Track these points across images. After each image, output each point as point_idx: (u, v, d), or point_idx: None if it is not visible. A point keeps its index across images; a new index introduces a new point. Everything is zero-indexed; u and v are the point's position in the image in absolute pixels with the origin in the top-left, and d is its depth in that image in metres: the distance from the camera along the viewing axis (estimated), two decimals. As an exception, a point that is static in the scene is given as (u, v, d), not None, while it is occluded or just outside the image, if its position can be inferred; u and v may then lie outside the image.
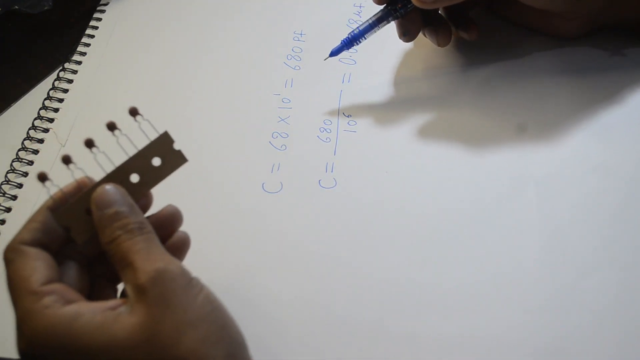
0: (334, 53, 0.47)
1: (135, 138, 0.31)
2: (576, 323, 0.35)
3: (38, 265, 0.29)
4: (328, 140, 0.45)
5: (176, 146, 0.32)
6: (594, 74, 0.47)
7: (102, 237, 0.29)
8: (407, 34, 0.47)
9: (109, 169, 0.31)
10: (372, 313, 0.36)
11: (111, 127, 0.31)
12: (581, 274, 0.37)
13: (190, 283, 0.28)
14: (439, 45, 0.48)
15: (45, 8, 0.56)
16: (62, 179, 0.45)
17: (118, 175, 0.31)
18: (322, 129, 0.46)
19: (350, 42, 0.47)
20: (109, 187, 0.30)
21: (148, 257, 0.28)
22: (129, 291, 0.28)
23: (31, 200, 0.43)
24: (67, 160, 0.30)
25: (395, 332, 0.36)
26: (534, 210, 0.40)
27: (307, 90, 0.49)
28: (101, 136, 0.47)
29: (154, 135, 0.31)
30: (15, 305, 0.28)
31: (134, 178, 0.31)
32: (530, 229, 0.39)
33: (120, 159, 0.31)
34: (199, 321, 0.27)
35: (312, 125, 0.46)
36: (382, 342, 0.35)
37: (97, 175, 0.31)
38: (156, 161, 0.31)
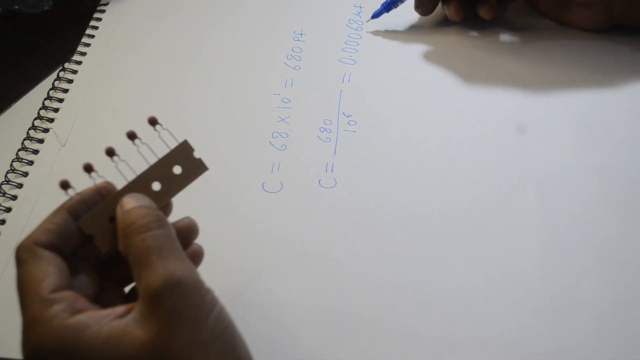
0: (374, 16, 0.52)
1: (154, 147, 0.31)
2: (576, 323, 0.35)
3: (50, 270, 0.28)
4: (328, 140, 0.45)
5: (196, 154, 0.32)
6: (599, 72, 0.48)
7: (122, 236, 0.29)
8: (420, 6, 0.51)
9: (130, 177, 0.31)
10: (371, 313, 0.36)
11: (131, 136, 0.31)
12: (581, 274, 0.37)
13: (205, 299, 0.27)
14: (450, 18, 0.51)
15: (45, 8, 0.56)
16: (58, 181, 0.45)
17: (140, 183, 0.31)
18: (322, 129, 0.46)
19: (388, 5, 0.51)
20: (135, 193, 0.30)
21: (167, 260, 0.27)
22: (142, 294, 0.27)
23: (31, 200, 0.43)
24: (88, 168, 0.30)
25: (395, 332, 0.36)
26: (534, 210, 0.40)
27: (307, 90, 0.49)
28: (102, 140, 0.47)
29: (171, 144, 0.31)
30: (23, 309, 0.28)
31: (156, 186, 0.31)
32: (530, 228, 0.39)
33: (139, 167, 0.31)
34: (210, 342, 0.27)
35: (312, 125, 0.46)
36: (382, 342, 0.35)
37: (118, 184, 0.31)
38: (177, 169, 0.31)
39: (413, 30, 0.53)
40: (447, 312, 0.36)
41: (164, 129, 0.31)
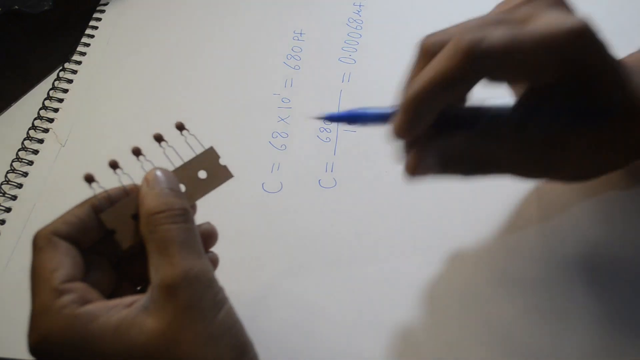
0: (328, 117, 0.34)
1: (177, 151, 0.32)
2: (577, 324, 0.35)
3: (65, 261, 0.28)
4: (328, 140, 0.45)
5: (222, 162, 0.32)
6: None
7: (146, 219, 0.29)
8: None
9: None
10: (371, 313, 0.36)
11: (158, 138, 0.31)
12: (581, 273, 0.37)
13: (217, 296, 0.28)
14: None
15: (45, 8, 0.56)
16: (61, 179, 0.45)
17: None
18: (322, 129, 0.46)
19: (352, 119, 0.35)
20: (160, 168, 0.30)
21: (188, 254, 0.27)
22: (157, 283, 0.27)
23: (31, 200, 0.43)
24: (114, 165, 0.30)
25: (394, 331, 0.36)
26: (535, 210, 0.40)
27: (307, 90, 0.49)
28: (102, 140, 0.47)
29: (189, 148, 0.32)
30: (33, 296, 0.28)
31: (181, 189, 0.31)
32: (531, 228, 0.39)
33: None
34: (220, 336, 0.27)
35: (312, 125, 0.46)
36: (380, 341, 0.35)
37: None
38: (202, 174, 0.32)
39: (412, 30, 0.53)
40: (446, 311, 0.36)
41: (190, 134, 0.32)
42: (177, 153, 0.32)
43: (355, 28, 0.54)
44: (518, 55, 0.29)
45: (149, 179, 0.30)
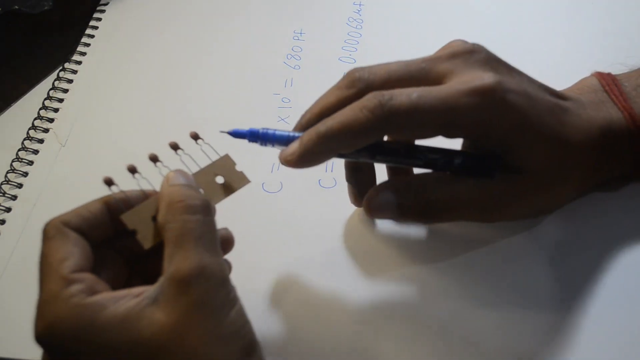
0: (233, 133, 0.35)
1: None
2: (581, 327, 0.35)
3: (74, 251, 0.28)
4: (328, 139, 0.45)
5: (238, 168, 0.33)
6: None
7: (165, 209, 0.29)
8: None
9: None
10: (372, 312, 0.36)
11: (174, 147, 0.32)
12: (583, 274, 0.37)
13: (229, 295, 0.28)
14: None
15: (45, 8, 0.56)
16: (61, 179, 0.45)
17: None
18: (322, 129, 0.46)
19: (254, 137, 0.35)
20: (179, 170, 0.31)
21: (204, 249, 0.27)
22: (169, 275, 0.27)
23: (31, 200, 0.43)
24: (133, 170, 0.31)
25: (394, 332, 0.36)
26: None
27: (307, 89, 0.49)
28: (102, 140, 0.47)
29: (202, 156, 0.32)
30: (41, 284, 0.28)
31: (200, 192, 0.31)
32: (531, 229, 0.39)
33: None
34: (230, 335, 0.27)
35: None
36: (381, 341, 0.35)
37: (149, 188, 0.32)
38: (219, 179, 0.33)
39: (412, 30, 0.53)
40: (446, 311, 0.36)
41: (205, 143, 0.32)
42: (192, 158, 0.32)
43: (355, 27, 0.54)
44: (420, 117, 0.32)
45: (169, 177, 0.30)
